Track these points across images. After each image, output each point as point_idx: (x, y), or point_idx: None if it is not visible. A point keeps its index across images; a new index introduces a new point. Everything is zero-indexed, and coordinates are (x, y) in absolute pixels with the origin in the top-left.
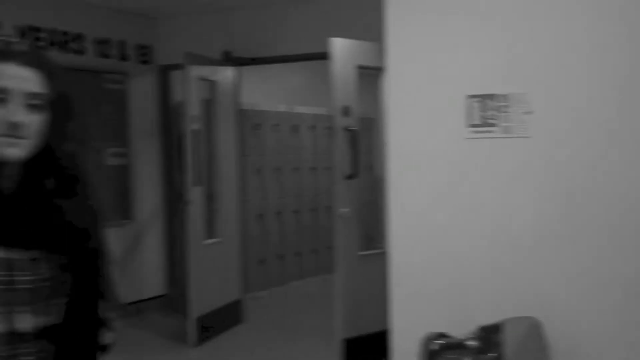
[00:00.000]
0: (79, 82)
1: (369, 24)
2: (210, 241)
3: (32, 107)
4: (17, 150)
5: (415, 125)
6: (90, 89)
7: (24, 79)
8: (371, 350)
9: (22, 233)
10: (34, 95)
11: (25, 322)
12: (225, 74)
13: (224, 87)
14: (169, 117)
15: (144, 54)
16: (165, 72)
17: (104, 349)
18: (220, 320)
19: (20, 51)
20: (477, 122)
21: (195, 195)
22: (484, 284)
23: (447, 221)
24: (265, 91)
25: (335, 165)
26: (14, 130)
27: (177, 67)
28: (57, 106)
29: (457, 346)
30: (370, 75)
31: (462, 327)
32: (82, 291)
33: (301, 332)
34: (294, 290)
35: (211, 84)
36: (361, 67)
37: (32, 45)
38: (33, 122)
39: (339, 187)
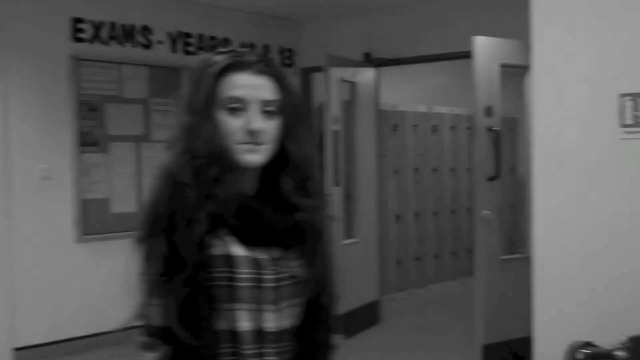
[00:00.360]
0: None
1: (513, 21)
2: (348, 241)
3: (268, 114)
4: (257, 156)
5: (563, 125)
6: None
7: (258, 87)
8: (512, 357)
9: (263, 233)
10: (268, 102)
11: (271, 321)
12: (366, 75)
13: (364, 88)
14: (311, 118)
15: (287, 57)
16: (307, 74)
17: (333, 351)
18: (357, 321)
19: (252, 60)
20: (629, 122)
21: (334, 195)
22: (634, 290)
23: (595, 225)
24: (405, 91)
25: (476, 166)
26: (253, 137)
27: (318, 69)
28: (289, 110)
29: (605, 356)
30: (514, 74)
31: (610, 337)
32: (321, 291)
33: (439, 336)
34: (432, 293)
35: (351, 86)
36: (505, 66)
37: (262, 54)
38: (269, 128)
39: (480, 189)
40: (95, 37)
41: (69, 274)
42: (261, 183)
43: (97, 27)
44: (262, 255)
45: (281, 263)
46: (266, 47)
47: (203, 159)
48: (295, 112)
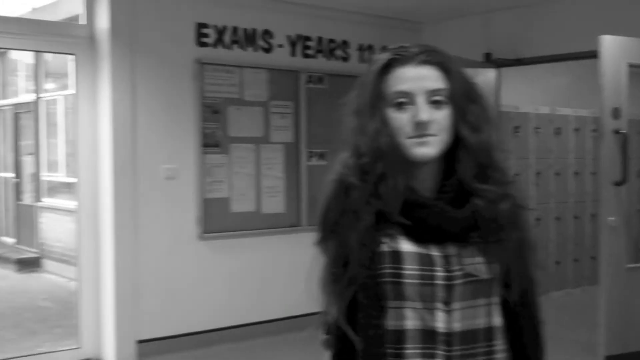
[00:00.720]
0: (345, 87)
1: None
2: None
3: (436, 104)
4: (428, 149)
5: None
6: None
7: (423, 77)
8: None
9: (435, 229)
10: (435, 91)
11: (441, 321)
12: (486, 76)
13: (484, 89)
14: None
15: None
16: None
17: (543, 353)
18: None
19: (414, 52)
20: None
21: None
22: None
23: None
24: (527, 92)
25: (601, 170)
26: (422, 129)
27: None
28: (459, 97)
29: None
30: None
31: None
32: (523, 288)
33: (559, 345)
34: (552, 301)
35: None
36: (633, 66)
37: (425, 45)
38: (439, 118)
39: (605, 194)
40: (219, 42)
41: (190, 271)
42: (438, 176)
43: (221, 31)
44: (434, 251)
45: (455, 260)
46: (385, 49)
47: (368, 158)
48: (467, 98)
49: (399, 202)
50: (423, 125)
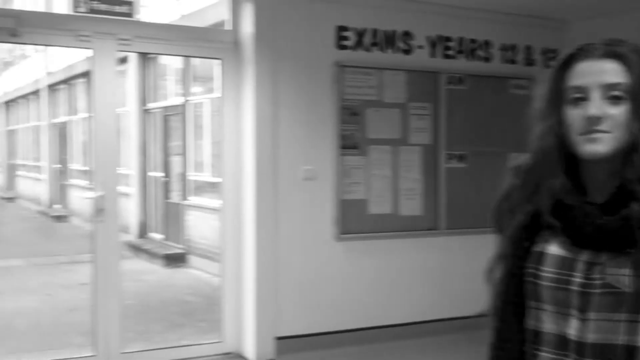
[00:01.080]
0: (486, 88)
1: None
2: None
3: (614, 99)
4: (597, 146)
5: None
6: (496, 95)
7: (601, 72)
8: None
9: (586, 233)
10: (612, 86)
11: (573, 328)
12: None
13: None
14: None
15: (550, 59)
16: None
17: None
18: None
19: (596, 46)
20: None
21: None
22: None
23: None
24: None
25: None
26: (592, 124)
27: None
28: (638, 92)
29: None
30: None
31: None
32: None
33: None
34: None
35: None
36: None
37: (612, 38)
38: (614, 114)
39: None
40: (358, 44)
41: (327, 270)
42: (606, 176)
43: (360, 34)
44: (582, 257)
45: (598, 268)
46: (528, 49)
47: (533, 158)
48: None
49: (549, 203)
50: (593, 120)
